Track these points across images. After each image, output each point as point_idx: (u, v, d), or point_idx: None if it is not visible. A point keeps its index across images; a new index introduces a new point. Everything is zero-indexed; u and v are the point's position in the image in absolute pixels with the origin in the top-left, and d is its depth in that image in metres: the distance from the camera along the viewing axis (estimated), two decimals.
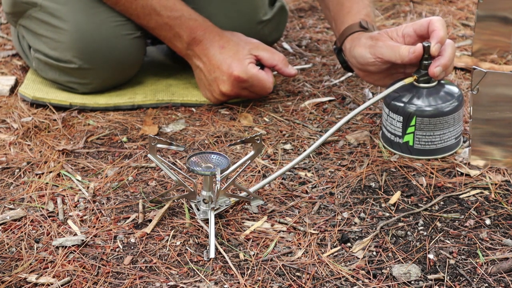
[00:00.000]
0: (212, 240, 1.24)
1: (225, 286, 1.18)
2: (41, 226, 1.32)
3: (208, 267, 1.22)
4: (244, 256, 1.24)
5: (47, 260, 1.24)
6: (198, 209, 1.33)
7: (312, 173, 1.45)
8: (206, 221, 1.32)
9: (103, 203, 1.38)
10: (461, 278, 1.19)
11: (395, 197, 1.38)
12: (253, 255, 1.25)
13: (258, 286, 1.18)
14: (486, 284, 1.18)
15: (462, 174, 1.43)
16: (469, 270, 1.21)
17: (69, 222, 1.33)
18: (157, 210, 1.35)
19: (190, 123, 1.62)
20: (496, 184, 1.40)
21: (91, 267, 1.22)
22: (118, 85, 1.72)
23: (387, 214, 1.34)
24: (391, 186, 1.41)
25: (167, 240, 1.28)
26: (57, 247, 1.27)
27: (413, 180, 1.42)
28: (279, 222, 1.32)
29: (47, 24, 1.66)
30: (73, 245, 1.27)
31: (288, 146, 1.54)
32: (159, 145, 1.31)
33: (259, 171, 1.45)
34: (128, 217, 1.34)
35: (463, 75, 1.79)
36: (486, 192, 1.38)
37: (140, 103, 1.68)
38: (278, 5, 1.80)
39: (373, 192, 1.39)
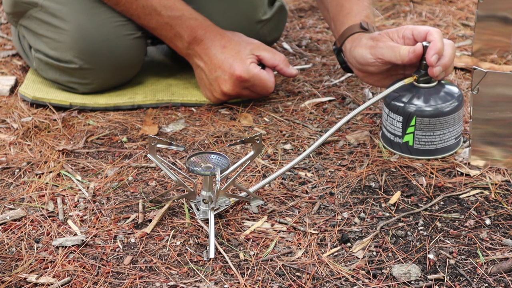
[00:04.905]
0: (212, 240, 1.24)
1: (225, 286, 1.18)
2: (41, 226, 1.32)
3: (208, 267, 1.22)
4: (244, 256, 1.24)
5: (47, 260, 1.24)
6: (198, 209, 1.33)
7: (312, 173, 1.45)
8: (206, 221, 1.32)
9: (103, 203, 1.38)
10: (461, 278, 1.19)
11: (395, 197, 1.38)
12: (253, 255, 1.25)
13: (258, 286, 1.18)
14: (486, 284, 1.18)
15: (462, 174, 1.43)
16: (469, 270, 1.21)
17: (69, 222, 1.33)
18: (157, 210, 1.35)
19: (190, 123, 1.62)
20: (496, 184, 1.40)
21: (91, 267, 1.22)
22: (118, 85, 1.72)
23: (387, 214, 1.34)
24: (391, 186, 1.41)
25: (167, 240, 1.28)
26: (57, 247, 1.27)
27: (413, 180, 1.42)
28: (279, 222, 1.32)
29: (47, 24, 1.66)
30: (73, 245, 1.27)
31: (288, 146, 1.54)
32: (159, 145, 1.31)
33: (259, 171, 1.45)
34: (128, 217, 1.34)
35: (463, 75, 1.79)
36: (486, 192, 1.38)
37: (140, 103, 1.68)
38: (278, 4, 1.80)
39: (373, 192, 1.39)
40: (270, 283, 1.19)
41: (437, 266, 1.22)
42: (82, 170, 1.47)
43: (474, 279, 1.19)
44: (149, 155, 1.32)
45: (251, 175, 1.45)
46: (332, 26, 1.66)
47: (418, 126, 1.45)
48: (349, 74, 1.80)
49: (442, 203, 1.36)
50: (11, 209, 1.37)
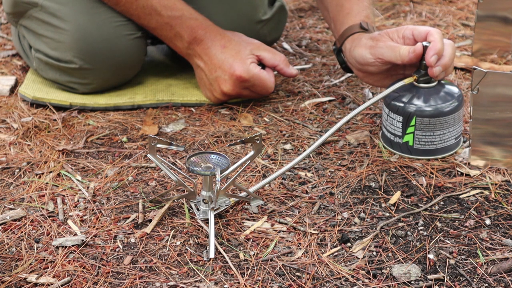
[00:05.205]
0: (212, 240, 1.24)
1: (225, 286, 1.18)
2: (41, 226, 1.32)
3: (208, 267, 1.22)
4: (244, 256, 1.24)
5: (47, 260, 1.24)
6: (198, 209, 1.33)
7: (312, 173, 1.45)
8: (206, 221, 1.32)
9: (103, 203, 1.38)
10: (461, 278, 1.19)
11: (395, 197, 1.38)
12: (253, 255, 1.25)
13: (258, 286, 1.18)
14: (486, 284, 1.18)
15: (462, 174, 1.43)
16: (469, 270, 1.21)
17: (69, 222, 1.33)
18: (157, 210, 1.35)
19: (190, 123, 1.62)
20: (496, 184, 1.40)
21: (91, 267, 1.22)
22: (118, 85, 1.72)
23: (387, 214, 1.34)
24: (391, 186, 1.41)
25: (167, 240, 1.28)
26: (57, 247, 1.27)
27: (413, 180, 1.42)
28: (279, 222, 1.32)
29: (48, 24, 1.66)
30: (73, 245, 1.27)
31: (288, 146, 1.54)
32: (159, 145, 1.31)
33: (259, 171, 1.45)
34: (128, 217, 1.34)
35: (463, 75, 1.79)
36: (486, 192, 1.38)
37: (140, 103, 1.68)
38: (278, 4, 1.80)
39: (373, 192, 1.39)
40: (270, 283, 1.19)
41: (437, 266, 1.22)
42: (82, 170, 1.47)
43: (474, 279, 1.19)
44: (149, 155, 1.32)
45: (251, 175, 1.45)
46: (332, 26, 1.66)
47: (418, 126, 1.45)
48: (349, 74, 1.80)
49: (442, 203, 1.36)
50: (11, 209, 1.37)
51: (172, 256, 1.25)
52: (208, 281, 1.19)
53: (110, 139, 1.57)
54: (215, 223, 1.31)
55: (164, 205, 1.36)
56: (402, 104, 1.45)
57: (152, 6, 1.62)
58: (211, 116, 1.64)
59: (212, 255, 1.22)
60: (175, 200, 1.37)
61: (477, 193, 1.38)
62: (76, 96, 1.69)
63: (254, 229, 1.30)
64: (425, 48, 1.43)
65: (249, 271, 1.21)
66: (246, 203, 1.37)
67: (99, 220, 1.34)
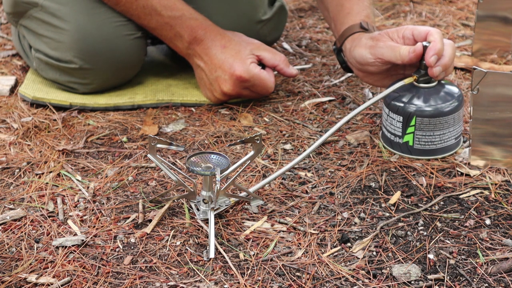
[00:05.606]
0: (212, 240, 1.24)
1: (225, 286, 1.18)
2: (41, 226, 1.32)
3: (208, 267, 1.22)
4: (244, 256, 1.24)
5: (47, 260, 1.24)
6: (198, 209, 1.33)
7: (312, 173, 1.45)
8: (206, 221, 1.32)
9: (103, 203, 1.38)
10: (461, 278, 1.19)
11: (395, 197, 1.38)
12: (253, 255, 1.25)
13: (258, 286, 1.18)
14: (486, 284, 1.18)
15: (462, 174, 1.43)
16: (469, 270, 1.21)
17: (69, 222, 1.33)
18: (157, 210, 1.35)
19: (190, 123, 1.62)
20: (496, 184, 1.40)
21: (91, 267, 1.23)
22: (118, 85, 1.72)
23: (387, 214, 1.34)
24: (391, 186, 1.41)
25: (167, 240, 1.28)
26: (57, 247, 1.27)
27: (413, 180, 1.42)
28: (279, 222, 1.32)
29: (48, 24, 1.66)
30: (73, 245, 1.27)
31: (288, 146, 1.54)
32: (159, 145, 1.31)
33: (259, 171, 1.45)
34: (128, 217, 1.34)
35: (463, 75, 1.79)
36: (486, 192, 1.38)
37: (140, 103, 1.68)
38: (278, 4, 1.80)
39: (373, 192, 1.39)
40: (270, 283, 1.19)
41: (437, 266, 1.22)
42: (82, 170, 1.47)
43: (474, 279, 1.19)
44: (149, 155, 1.32)
45: (251, 175, 1.45)
46: (332, 26, 1.66)
47: (418, 126, 1.45)
48: (349, 74, 1.80)
49: (442, 203, 1.36)
50: (11, 209, 1.37)
51: (172, 256, 1.25)
52: (208, 281, 1.19)
53: (110, 139, 1.57)
54: (215, 223, 1.31)
55: (164, 205, 1.36)
56: (402, 104, 1.45)
57: (152, 6, 1.62)
58: (211, 116, 1.65)
59: (212, 255, 1.22)
60: (175, 200, 1.37)
61: (477, 193, 1.38)
62: (76, 96, 1.69)
63: (254, 229, 1.30)
64: (425, 48, 1.43)
65: (249, 271, 1.21)
66: (246, 203, 1.37)
67: (99, 220, 1.34)
